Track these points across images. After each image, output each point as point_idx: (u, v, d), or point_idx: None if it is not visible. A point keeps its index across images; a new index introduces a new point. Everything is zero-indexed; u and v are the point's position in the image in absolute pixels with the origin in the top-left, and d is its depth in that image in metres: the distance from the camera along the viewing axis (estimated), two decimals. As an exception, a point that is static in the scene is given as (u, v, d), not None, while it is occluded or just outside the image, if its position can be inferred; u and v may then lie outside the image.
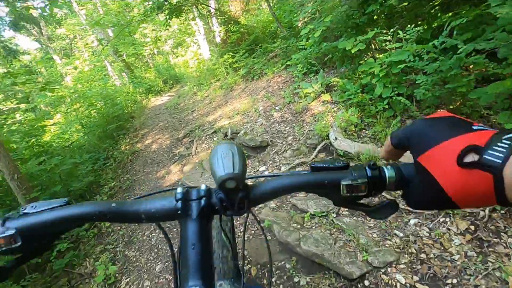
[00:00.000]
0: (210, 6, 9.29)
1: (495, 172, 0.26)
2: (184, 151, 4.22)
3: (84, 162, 4.21)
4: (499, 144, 0.26)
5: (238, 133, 3.70)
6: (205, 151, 3.94)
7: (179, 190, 0.42)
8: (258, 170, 2.92)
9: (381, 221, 1.75)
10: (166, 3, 7.84)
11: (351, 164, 0.42)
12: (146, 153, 4.73)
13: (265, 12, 9.57)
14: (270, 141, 3.28)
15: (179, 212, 0.41)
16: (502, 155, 0.26)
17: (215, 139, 4.16)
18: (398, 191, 0.39)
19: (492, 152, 0.26)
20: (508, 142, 0.26)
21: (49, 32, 19.44)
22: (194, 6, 8.83)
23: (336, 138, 2.52)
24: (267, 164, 2.97)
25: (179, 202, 0.41)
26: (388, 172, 0.38)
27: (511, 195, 0.26)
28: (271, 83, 5.31)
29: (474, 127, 0.31)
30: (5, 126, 9.20)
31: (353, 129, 2.58)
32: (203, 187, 0.43)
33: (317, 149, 2.75)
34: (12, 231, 0.36)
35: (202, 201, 0.42)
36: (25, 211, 0.40)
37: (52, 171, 3.25)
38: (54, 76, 17.48)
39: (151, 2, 7.83)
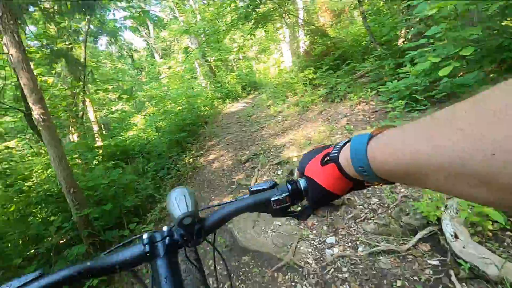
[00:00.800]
0: (298, 17, 8.73)
1: (336, 161, 0.43)
2: (243, 179, 3.72)
3: (146, 172, 4.09)
4: (336, 148, 0.44)
5: (307, 175, 2.99)
6: (266, 186, 3.35)
7: (145, 236, 0.48)
8: (325, 241, 2.18)
9: None
10: (253, 13, 7.61)
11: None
12: (206, 171, 4.42)
13: (358, 24, 8.50)
14: (347, 198, 2.49)
15: (148, 254, 0.46)
16: (336, 151, 0.43)
17: (279, 172, 3.54)
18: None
19: (333, 152, 0.44)
20: (339, 145, 0.44)
21: (155, 34, 21.92)
22: (282, 16, 8.39)
23: (455, 236, 1.60)
24: (338, 234, 2.20)
25: (147, 246, 0.46)
26: (303, 184, 0.49)
27: (349, 171, 0.41)
28: (355, 111, 4.41)
29: (330, 145, 0.49)
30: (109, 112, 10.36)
31: (493, 228, 1.60)
32: (165, 228, 0.50)
33: (417, 237, 1.86)
34: None
35: (167, 240, 0.48)
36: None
37: (111, 184, 3.14)
38: (153, 73, 19.61)
39: (239, 12, 7.68)
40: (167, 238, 0.47)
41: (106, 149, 5.32)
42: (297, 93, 7.11)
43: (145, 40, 24.04)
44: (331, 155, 0.44)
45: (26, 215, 3.07)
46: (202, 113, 8.59)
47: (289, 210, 0.51)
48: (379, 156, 0.33)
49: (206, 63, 12.66)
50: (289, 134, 4.79)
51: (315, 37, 8.04)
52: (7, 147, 3.93)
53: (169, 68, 17.36)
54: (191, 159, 4.98)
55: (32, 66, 2.60)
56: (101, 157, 5.15)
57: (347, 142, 0.43)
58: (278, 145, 4.43)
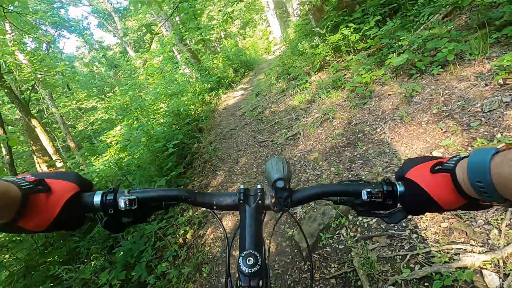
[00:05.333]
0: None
1: (451, 172, 0.37)
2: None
3: None
4: (452, 159, 0.39)
5: None
6: None
7: (242, 187, 0.51)
8: None
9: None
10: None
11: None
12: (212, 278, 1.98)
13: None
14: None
15: (241, 201, 0.50)
16: (453, 162, 0.38)
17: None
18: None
19: (449, 163, 0.39)
20: (457, 158, 0.38)
21: (122, 25, 18.39)
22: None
23: None
24: None
25: (241, 195, 0.50)
26: (400, 188, 0.45)
27: (464, 186, 0.35)
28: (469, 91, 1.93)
29: (443, 157, 0.42)
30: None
31: None
32: (259, 186, 0.51)
33: None
34: (134, 197, 0.46)
35: (258, 196, 0.50)
36: (144, 188, 0.50)
37: None
38: (129, 70, 16.35)
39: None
40: (259, 194, 0.49)
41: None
42: (326, 68, 4.51)
43: (114, 35, 20.43)
44: (445, 164, 0.40)
45: None
46: (191, 116, 5.96)
47: (375, 210, 0.47)
48: (506, 172, 0.29)
49: (186, 47, 9.71)
50: (370, 152, 2.32)
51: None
52: None
53: (146, 61, 14.26)
54: (187, 234, 2.46)
55: None
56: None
57: (466, 156, 0.37)
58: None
